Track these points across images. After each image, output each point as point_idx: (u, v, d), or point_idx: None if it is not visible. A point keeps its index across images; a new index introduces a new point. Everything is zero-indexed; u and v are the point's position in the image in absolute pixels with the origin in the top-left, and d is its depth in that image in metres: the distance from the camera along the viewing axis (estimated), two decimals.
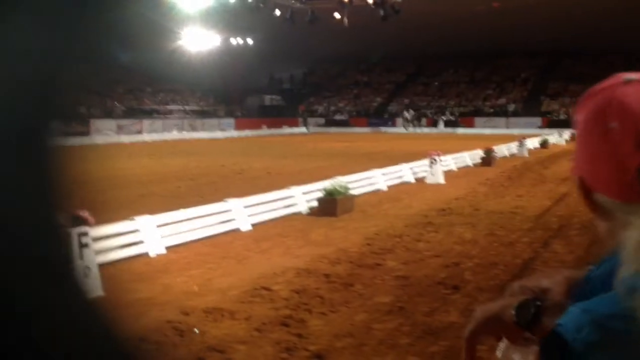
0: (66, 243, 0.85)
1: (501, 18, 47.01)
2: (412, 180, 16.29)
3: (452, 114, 52.36)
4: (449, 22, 47.81)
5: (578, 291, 1.00)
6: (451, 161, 19.49)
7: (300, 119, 51.28)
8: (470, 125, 49.32)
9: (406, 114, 47.46)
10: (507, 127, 47.51)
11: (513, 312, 1.01)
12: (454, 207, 11.94)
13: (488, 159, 20.49)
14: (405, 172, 16.57)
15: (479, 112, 52.49)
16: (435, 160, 16.09)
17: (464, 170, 19.27)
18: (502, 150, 24.15)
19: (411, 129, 48.20)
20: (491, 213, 11.16)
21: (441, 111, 53.01)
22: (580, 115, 0.94)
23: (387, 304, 6.00)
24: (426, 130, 48.61)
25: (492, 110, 52.43)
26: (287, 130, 48.48)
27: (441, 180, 15.98)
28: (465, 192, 14.04)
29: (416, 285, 6.64)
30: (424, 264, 7.54)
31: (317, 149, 28.77)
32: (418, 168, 17.05)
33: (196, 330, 5.80)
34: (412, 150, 25.18)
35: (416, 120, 50.22)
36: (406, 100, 48.15)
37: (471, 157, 21.25)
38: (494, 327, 1.04)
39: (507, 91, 54.98)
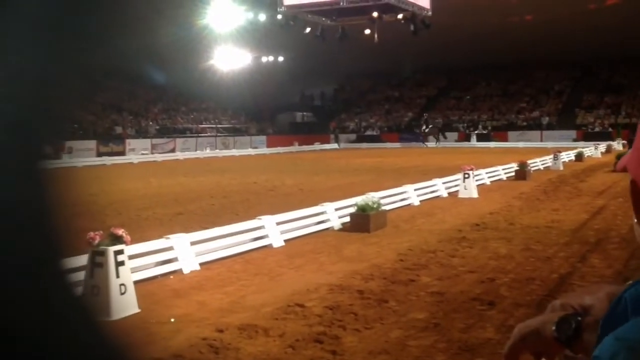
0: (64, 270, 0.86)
1: (534, 29, 46.64)
2: (445, 195, 16.17)
3: (484, 127, 51.90)
4: (481, 34, 47.58)
5: (609, 311, 0.98)
6: (485, 175, 19.30)
7: (331, 135, 51.35)
8: (504, 139, 48.80)
9: (424, 127, 46.73)
10: (542, 140, 46.93)
11: (553, 327, 0.99)
12: (489, 221, 11.81)
13: (522, 173, 20.24)
14: (438, 186, 16.46)
15: (512, 126, 51.93)
16: (468, 174, 15.96)
17: (498, 184, 19.06)
18: (537, 163, 23.86)
19: (431, 144, 47.64)
20: (527, 227, 11.00)
21: (474, 125, 52.59)
22: None
23: (422, 321, 5.94)
24: (454, 144, 48.21)
25: (525, 123, 51.81)
26: (318, 146, 48.64)
27: (475, 194, 15.84)
28: (500, 207, 13.88)
29: (451, 301, 6.56)
30: (459, 280, 7.45)
31: (349, 165, 28.78)
32: (451, 183, 16.93)
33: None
34: (445, 165, 25.03)
35: (439, 134, 49.90)
36: (425, 115, 47.48)
37: (505, 171, 21.03)
38: (533, 344, 1.02)
39: (541, 104, 54.34)
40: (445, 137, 49.95)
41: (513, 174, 20.64)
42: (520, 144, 44.35)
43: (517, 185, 18.42)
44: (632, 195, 0.93)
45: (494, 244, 9.54)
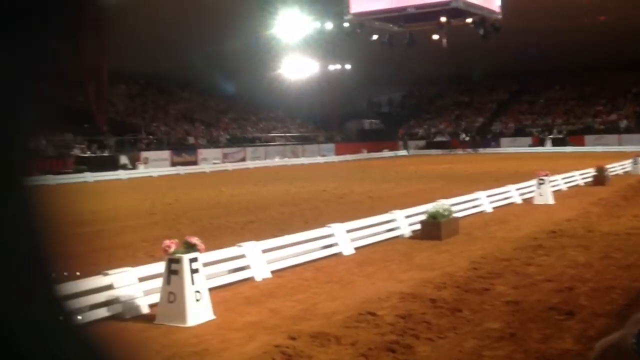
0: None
1: (608, 30, 45.06)
2: (519, 202, 15.79)
3: (559, 132, 50.42)
4: (553, 36, 46.34)
5: None
6: (561, 181, 18.75)
7: (400, 142, 51.01)
8: (580, 143, 47.24)
9: (463, 136, 45.34)
10: (620, 144, 45.14)
11: (634, 340, 0.94)
12: (566, 228, 11.43)
13: (601, 178, 19.51)
14: (512, 193, 16.08)
15: (589, 130, 50.22)
16: (543, 180, 15.53)
17: (575, 190, 18.46)
18: (616, 168, 22.98)
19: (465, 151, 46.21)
20: (606, 234, 10.59)
21: (548, 129, 51.19)
22: None
23: (497, 330, 5.79)
24: (528, 149, 47.00)
25: (602, 127, 50.02)
26: (387, 153, 48.40)
27: (550, 200, 15.39)
28: (577, 213, 13.43)
29: (528, 310, 6.37)
30: (536, 289, 7.23)
31: (419, 171, 28.50)
32: (525, 189, 16.52)
33: None
34: (519, 171, 24.47)
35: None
36: (462, 124, 46.07)
37: (582, 176, 20.36)
38: (614, 358, 0.97)
39: (619, 107, 52.34)
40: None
41: (591, 179, 19.94)
42: (598, 148, 42.80)
43: (595, 191, 17.79)
44: None
45: (571, 252, 9.23)
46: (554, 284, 7.38)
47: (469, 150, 46.63)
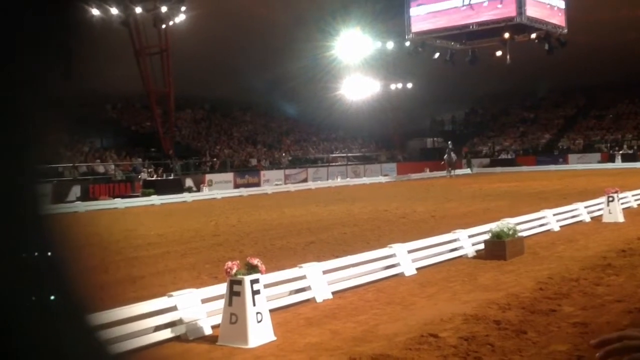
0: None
1: None
2: (588, 220, 15.31)
3: (630, 147, 48.71)
4: (620, 50, 45.04)
5: None
6: (631, 198, 18.08)
7: (463, 161, 50.28)
8: None
9: (452, 155, 42.55)
10: None
11: None
12: (636, 247, 11.01)
13: None
14: (580, 211, 15.61)
15: None
16: (613, 197, 15.01)
17: None
18: None
19: (456, 172, 43.45)
20: None
21: (618, 145, 49.54)
22: None
23: (564, 353, 5.62)
24: (597, 165, 45.54)
25: None
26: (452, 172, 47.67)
27: (620, 218, 14.86)
28: None
29: (596, 332, 6.15)
30: (605, 310, 6.98)
31: (482, 190, 28.02)
32: (594, 206, 16.01)
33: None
34: (587, 188, 23.77)
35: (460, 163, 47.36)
36: (450, 143, 43.38)
37: None
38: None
39: None
40: (471, 169, 47.54)
41: None
42: None
43: None
44: None
45: None
46: (624, 305, 7.12)
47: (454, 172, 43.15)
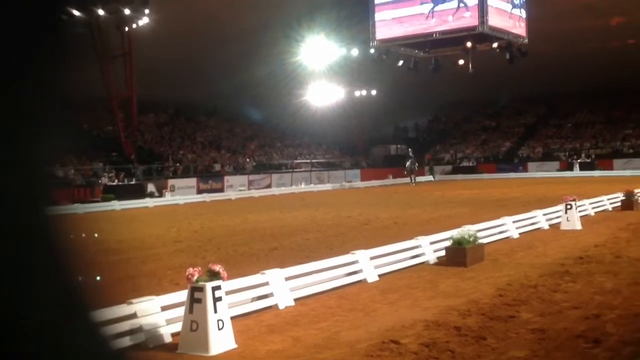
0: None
1: (637, 53, 44.69)
2: (546, 227, 15.60)
3: (588, 156, 49.84)
4: (580, 60, 46.10)
5: None
6: (588, 206, 18.49)
7: (426, 168, 50.77)
8: (609, 167, 46.58)
9: (414, 163, 42.44)
10: None
11: None
12: (593, 254, 11.25)
13: (629, 203, 19.21)
14: (539, 218, 15.90)
15: (617, 154, 49.56)
16: (571, 205, 15.33)
17: (603, 215, 18.19)
18: None
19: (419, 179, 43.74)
20: (635, 260, 10.39)
21: (576, 153, 50.64)
22: None
23: (522, 359, 5.71)
24: (556, 174, 46.44)
25: (631, 150, 49.32)
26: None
27: (578, 226, 15.18)
28: (605, 239, 13.22)
29: (554, 338, 6.26)
30: (562, 316, 7.12)
31: (445, 197, 28.33)
32: (552, 214, 16.32)
33: None
34: (546, 196, 24.23)
35: (427, 169, 48.17)
36: (410, 150, 43.34)
37: (610, 201, 20.06)
38: None
39: None
40: (433, 176, 48.20)
41: (619, 204, 19.65)
42: (627, 172, 42.15)
43: (623, 216, 17.51)
44: None
45: (599, 278, 9.08)
46: (580, 311, 7.26)
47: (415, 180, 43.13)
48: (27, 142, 0.98)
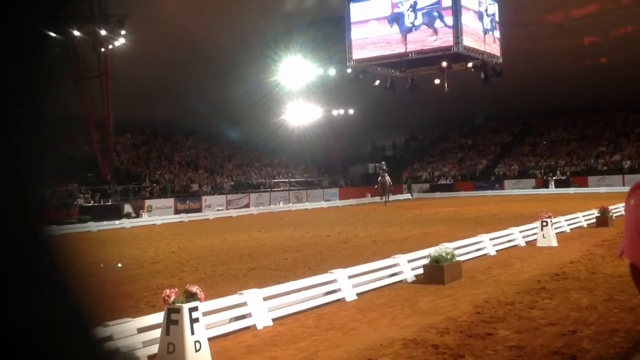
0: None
1: (610, 71, 45.55)
2: (523, 244, 15.74)
3: (563, 173, 50.47)
4: (555, 79, 46.83)
5: None
6: (564, 223, 18.70)
7: (404, 186, 50.99)
8: (584, 184, 47.18)
9: (387, 178, 41.25)
10: (624, 184, 45.01)
11: None
12: (569, 271, 11.37)
13: (604, 219, 19.47)
14: (515, 235, 16.04)
15: (592, 171, 50.24)
16: (546, 222, 15.49)
17: (578, 232, 18.40)
18: (619, 209, 22.88)
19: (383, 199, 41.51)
20: (610, 277, 10.51)
21: (551, 171, 51.26)
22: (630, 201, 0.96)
23: None
24: (532, 191, 46.94)
25: (606, 168, 50.06)
26: (391, 197, 48.27)
27: (554, 243, 15.33)
28: (581, 255, 13.37)
29: (531, 355, 6.31)
30: (539, 333, 7.17)
31: (423, 215, 28.46)
32: (529, 231, 16.47)
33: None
34: (522, 213, 24.44)
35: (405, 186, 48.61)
36: (384, 164, 42.22)
37: (585, 217, 20.31)
38: None
39: (622, 147, 52.41)
40: (411, 194, 48.42)
41: (594, 220, 19.90)
42: (602, 189, 42.74)
43: (598, 233, 17.73)
44: (633, 276, 1.01)
45: (575, 295, 9.17)
46: (557, 328, 7.32)
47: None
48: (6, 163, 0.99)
